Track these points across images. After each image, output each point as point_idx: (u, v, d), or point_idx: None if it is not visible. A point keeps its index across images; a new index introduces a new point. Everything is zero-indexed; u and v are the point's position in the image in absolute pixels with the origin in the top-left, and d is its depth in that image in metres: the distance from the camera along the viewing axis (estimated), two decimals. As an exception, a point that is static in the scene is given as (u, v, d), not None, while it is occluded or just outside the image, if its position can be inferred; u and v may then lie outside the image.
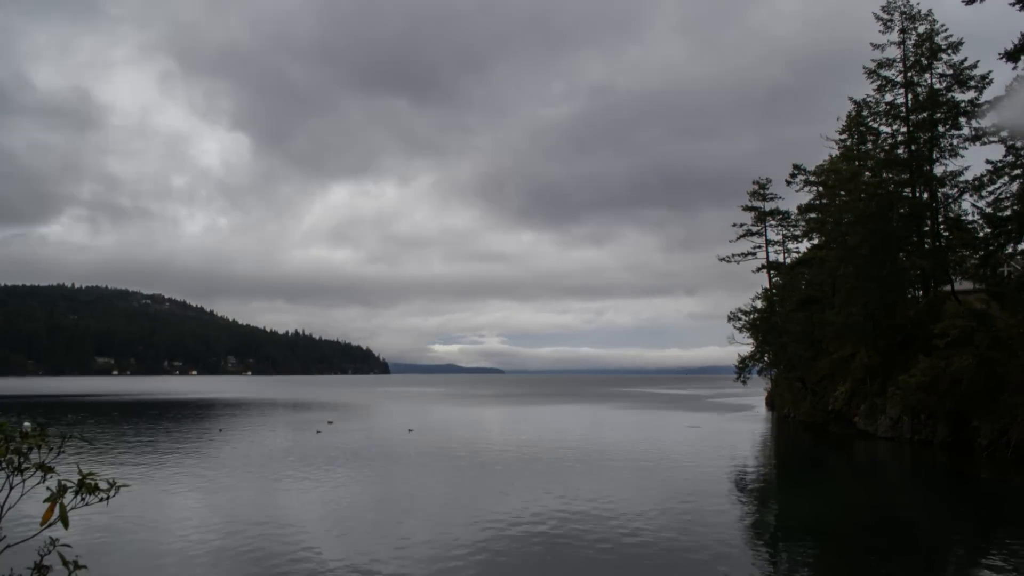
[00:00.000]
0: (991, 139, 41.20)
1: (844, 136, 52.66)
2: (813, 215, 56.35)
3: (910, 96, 44.98)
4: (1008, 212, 36.95)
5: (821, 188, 53.35)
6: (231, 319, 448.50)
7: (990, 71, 42.36)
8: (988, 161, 38.49)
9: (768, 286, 61.47)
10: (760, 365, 63.58)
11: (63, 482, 3.28)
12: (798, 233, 60.28)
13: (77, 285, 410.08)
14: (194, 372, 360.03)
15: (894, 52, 45.31)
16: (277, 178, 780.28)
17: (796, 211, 58.78)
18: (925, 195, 45.04)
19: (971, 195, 41.90)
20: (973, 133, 42.99)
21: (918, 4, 44.54)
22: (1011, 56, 32.02)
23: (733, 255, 61.24)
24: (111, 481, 3.42)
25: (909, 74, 44.86)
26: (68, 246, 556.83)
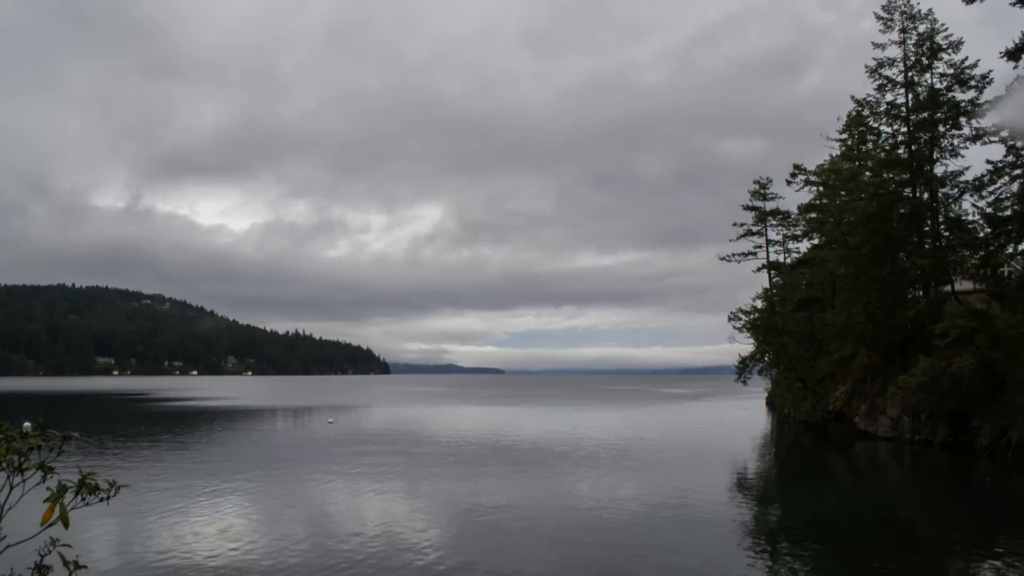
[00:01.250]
0: (992, 139, 41.12)
1: (844, 136, 52.64)
2: (814, 215, 56.31)
3: (910, 96, 44.92)
4: (1008, 212, 36.91)
5: (822, 188, 53.31)
6: (231, 319, 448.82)
7: (991, 70, 42.26)
8: (988, 161, 38.45)
9: (768, 286, 61.46)
10: (760, 365, 63.55)
11: (63, 482, 3.27)
12: (798, 233, 60.24)
13: (77, 285, 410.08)
14: (194, 372, 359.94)
15: (895, 51, 45.31)
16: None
17: (796, 211, 58.79)
18: (925, 195, 44.95)
19: (971, 195, 41.82)
20: (974, 133, 42.90)
21: (918, 3, 44.54)
22: (1012, 55, 31.99)
23: (733, 255, 61.17)
24: (111, 481, 3.41)
25: (910, 74, 44.80)
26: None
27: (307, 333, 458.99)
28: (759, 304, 61.86)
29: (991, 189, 39.00)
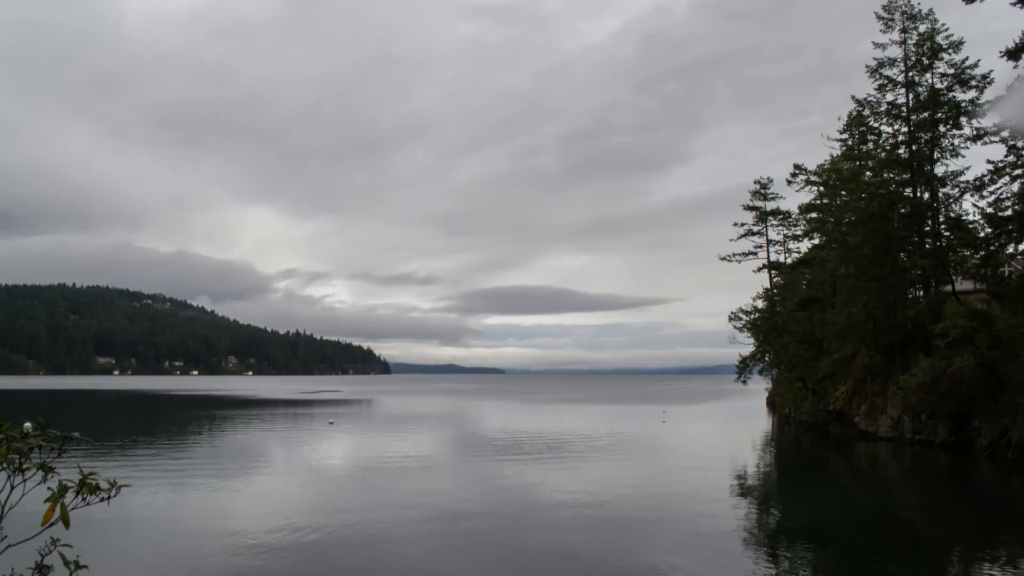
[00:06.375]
0: (992, 139, 41.08)
1: (845, 136, 52.61)
2: (814, 215, 56.26)
3: (911, 96, 44.89)
4: (1009, 212, 36.88)
5: (822, 188, 53.26)
6: (232, 319, 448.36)
7: (991, 70, 42.23)
8: (989, 161, 38.42)
9: (769, 286, 61.42)
10: (761, 365, 63.47)
11: (64, 482, 3.26)
12: (799, 233, 60.14)
13: (77, 285, 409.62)
14: (195, 372, 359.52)
15: (895, 51, 45.28)
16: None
17: (797, 211, 58.74)
18: (926, 195, 44.92)
19: (972, 195, 41.77)
20: (974, 133, 42.86)
21: (919, 3, 44.50)
22: (1012, 55, 31.93)
23: (734, 254, 61.10)
24: (112, 481, 3.40)
25: (910, 74, 44.77)
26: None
27: (308, 333, 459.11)
28: (759, 304, 61.85)
29: (991, 189, 38.99)
